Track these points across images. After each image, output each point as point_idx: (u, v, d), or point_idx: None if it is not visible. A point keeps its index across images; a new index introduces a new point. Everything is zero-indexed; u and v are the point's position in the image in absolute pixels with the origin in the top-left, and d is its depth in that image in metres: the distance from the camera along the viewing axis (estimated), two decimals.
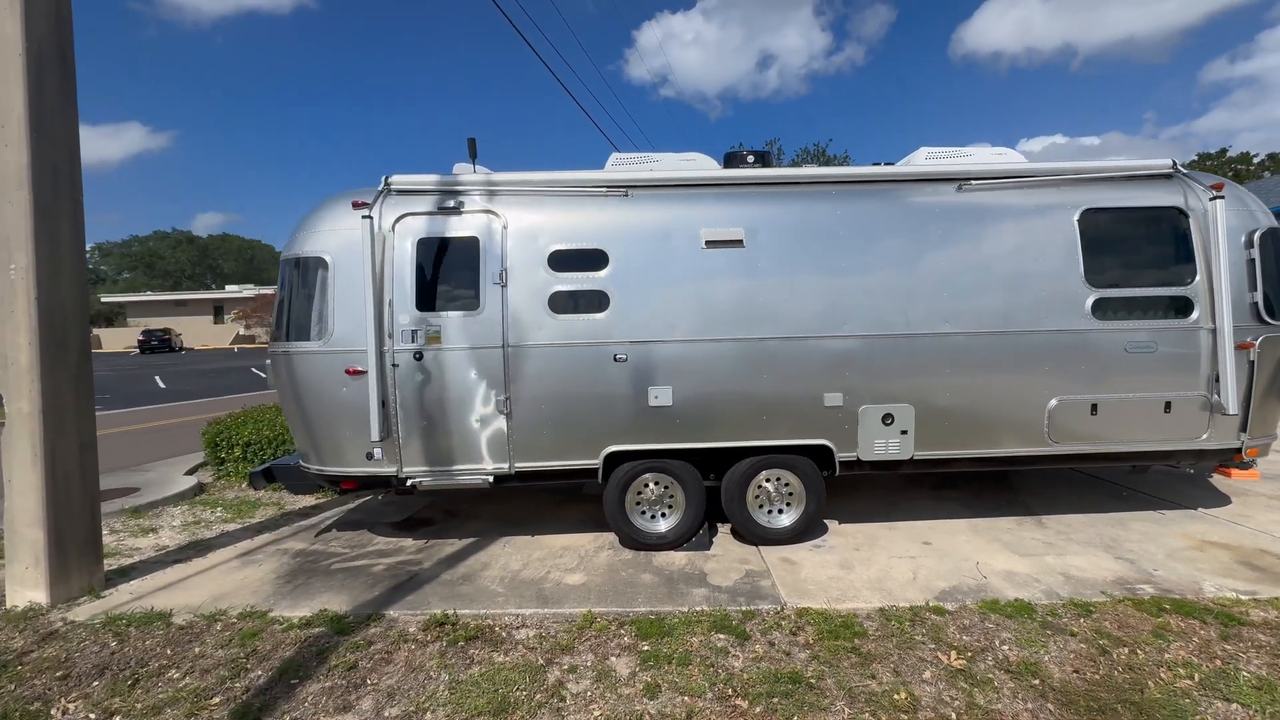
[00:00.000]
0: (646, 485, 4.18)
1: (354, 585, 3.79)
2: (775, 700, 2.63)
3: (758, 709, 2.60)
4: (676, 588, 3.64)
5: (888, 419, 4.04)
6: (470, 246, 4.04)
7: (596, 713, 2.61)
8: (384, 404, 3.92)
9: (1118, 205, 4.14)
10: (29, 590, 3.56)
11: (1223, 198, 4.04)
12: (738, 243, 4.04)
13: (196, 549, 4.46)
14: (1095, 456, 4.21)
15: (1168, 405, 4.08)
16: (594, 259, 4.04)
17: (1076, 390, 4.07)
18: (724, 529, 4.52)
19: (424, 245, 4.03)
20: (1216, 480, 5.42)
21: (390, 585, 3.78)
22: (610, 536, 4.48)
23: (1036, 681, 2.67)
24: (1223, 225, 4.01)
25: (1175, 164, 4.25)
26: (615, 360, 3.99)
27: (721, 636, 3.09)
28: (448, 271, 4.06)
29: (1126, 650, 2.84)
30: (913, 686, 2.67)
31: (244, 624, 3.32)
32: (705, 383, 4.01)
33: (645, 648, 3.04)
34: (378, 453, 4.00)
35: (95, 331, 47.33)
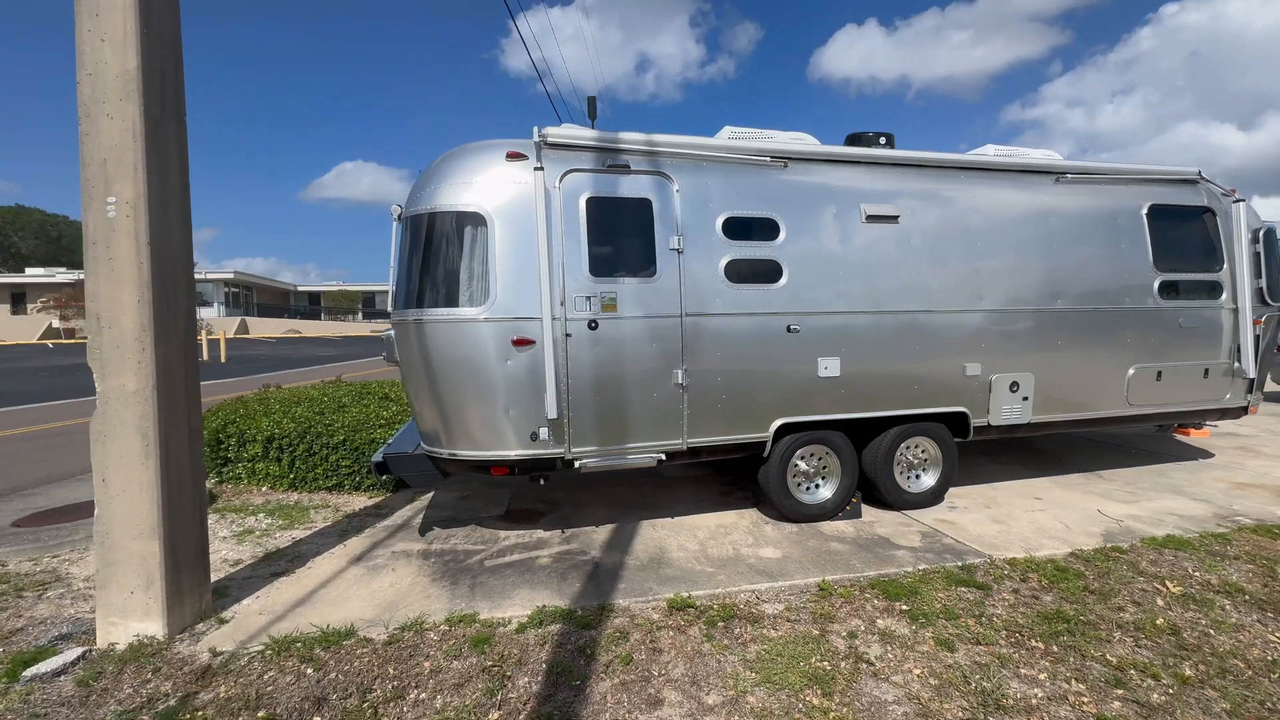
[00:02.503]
0: (803, 458, 4.18)
1: (540, 580, 3.38)
2: (1063, 638, 2.79)
3: (1055, 647, 2.75)
4: (875, 551, 3.70)
5: (1014, 386, 4.42)
6: (643, 208, 3.77)
7: (916, 671, 2.61)
8: (544, 378, 3.54)
9: (1170, 203, 4.89)
10: (135, 621, 2.75)
11: (1243, 200, 4.93)
12: (894, 219, 4.19)
13: (285, 560, 3.70)
14: (1152, 417, 4.93)
15: (1206, 371, 4.91)
16: (767, 228, 3.97)
17: (1148, 359, 4.74)
18: None
19: (594, 204, 3.69)
20: (1180, 438, 6.56)
21: (583, 575, 3.43)
22: (753, 513, 4.43)
23: (1245, 597, 3.10)
24: (1244, 223, 4.90)
25: (1200, 172, 5.11)
26: (789, 331, 3.95)
27: (963, 590, 3.21)
28: (621, 234, 3.76)
29: None
30: (1161, 613, 2.98)
31: (462, 630, 2.84)
32: (868, 353, 4.11)
33: (903, 607, 3.07)
34: (544, 433, 3.60)
35: None
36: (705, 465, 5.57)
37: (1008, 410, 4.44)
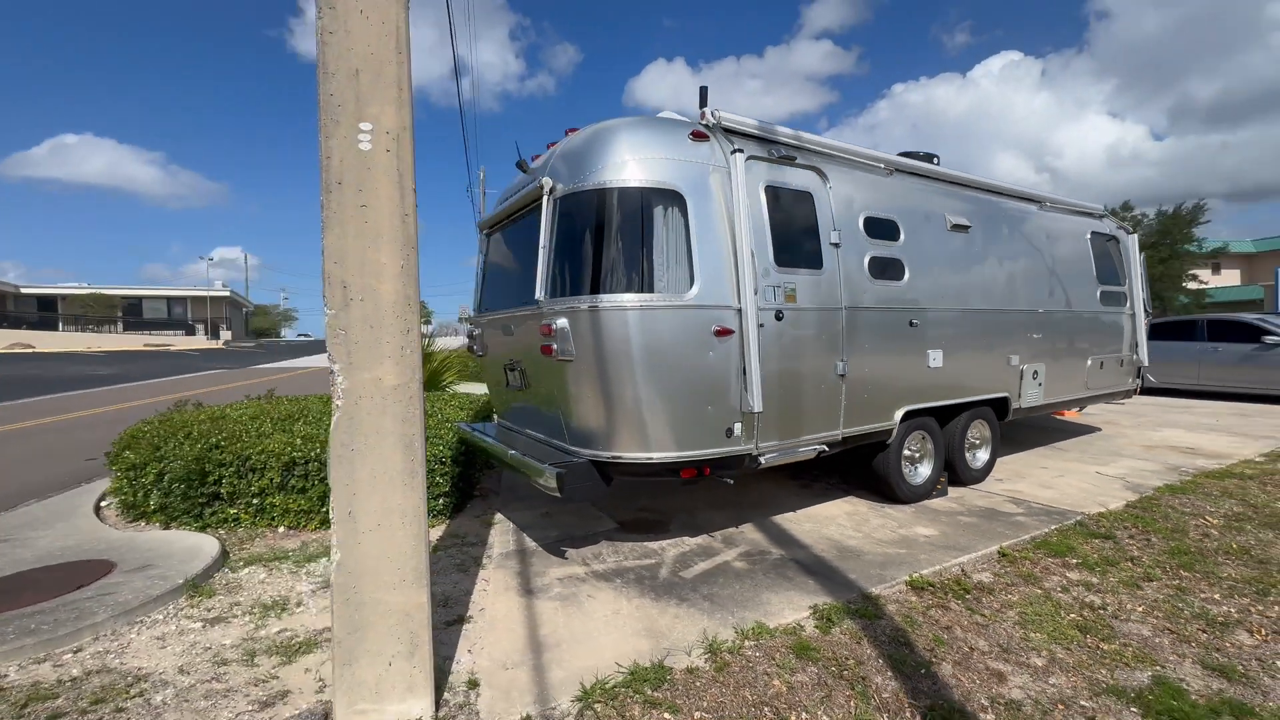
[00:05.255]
0: (908, 444, 4.51)
1: (769, 582, 3.19)
2: (1197, 568, 3.44)
3: (1198, 574, 3.37)
4: (1000, 520, 4.13)
5: (1035, 374, 5.29)
6: (808, 201, 3.79)
7: (1139, 609, 3.02)
8: (746, 370, 3.39)
9: (1099, 231, 6.29)
10: (394, 702, 2.01)
11: (1137, 232, 6.54)
12: (967, 228, 4.77)
13: (437, 605, 2.95)
14: (1096, 398, 6.23)
15: (1121, 361, 6.37)
16: (891, 229, 4.25)
17: (1097, 352, 6.02)
18: None
19: (772, 193, 3.62)
20: (1057, 419, 8.33)
21: (800, 571, 3.30)
22: (856, 500, 4.62)
23: (1255, 519, 4.11)
24: (1136, 249, 6.50)
25: (1105, 208, 6.65)
26: (910, 325, 4.26)
27: (1098, 541, 3.77)
28: (795, 226, 3.72)
29: None
30: (1227, 539, 3.82)
31: (770, 643, 2.58)
32: (958, 346, 4.60)
33: (1074, 560, 3.51)
34: (738, 428, 3.41)
35: None
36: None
37: (1031, 394, 5.29)
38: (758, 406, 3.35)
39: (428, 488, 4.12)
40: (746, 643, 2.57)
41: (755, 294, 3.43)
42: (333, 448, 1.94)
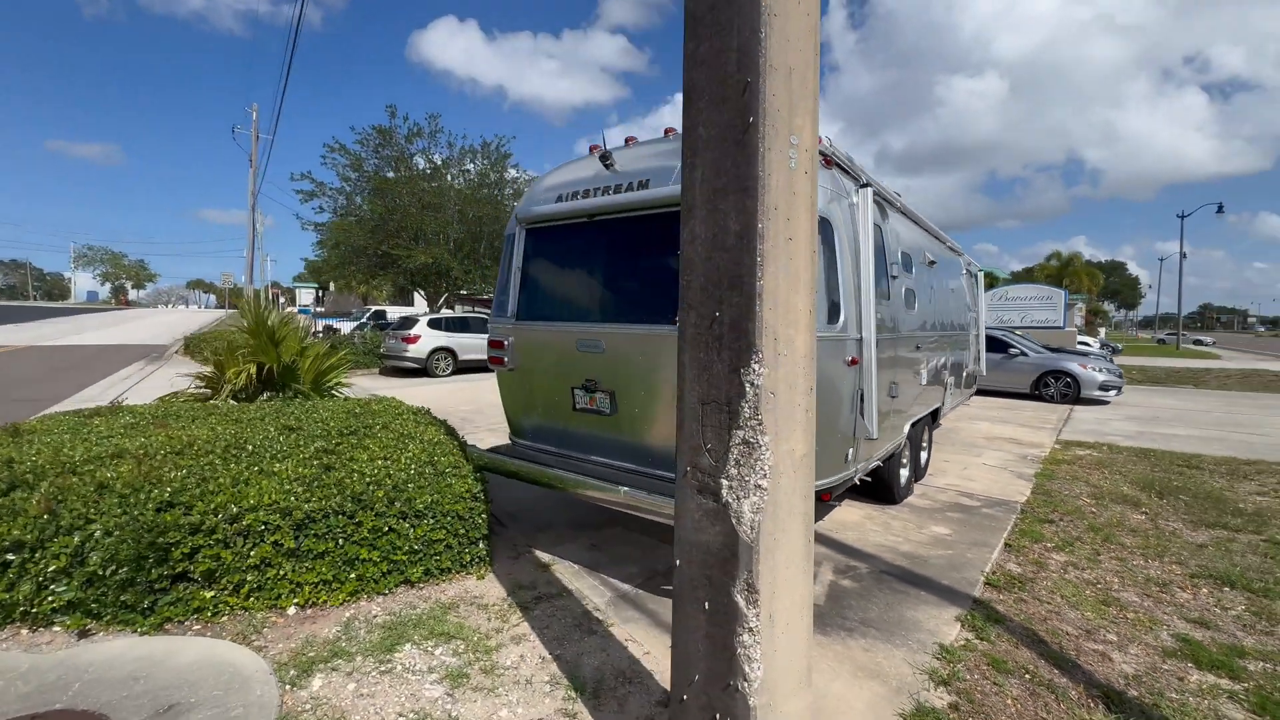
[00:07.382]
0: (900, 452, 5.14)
1: (893, 600, 3.39)
2: (1115, 539, 4.61)
3: (1120, 545, 4.53)
4: (973, 513, 4.94)
5: (949, 386, 6.41)
6: (879, 235, 4.03)
7: (1113, 579, 3.98)
8: (865, 398, 3.54)
9: (968, 270, 7.83)
10: None
11: (983, 271, 8.29)
12: (933, 263, 5.55)
13: (630, 685, 2.53)
14: (959, 403, 7.77)
15: (973, 372, 8.06)
16: (909, 263, 4.74)
17: (967, 361, 7.51)
18: None
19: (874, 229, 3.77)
20: None
21: (901, 582, 3.57)
22: (850, 503, 5.10)
23: (1110, 496, 5.62)
24: (982, 284, 8.26)
25: (963, 252, 8.30)
26: (917, 349, 4.84)
27: (1044, 525, 4.76)
28: (878, 259, 3.91)
29: (1103, 471, 6.19)
30: (1105, 510, 5.16)
31: (967, 662, 2.78)
32: (931, 366, 5.35)
33: (1049, 545, 4.42)
34: (851, 453, 3.53)
35: None
36: None
37: (948, 403, 6.41)
38: (875, 433, 3.51)
39: (466, 530, 3.46)
40: (957, 667, 2.73)
41: (873, 325, 3.58)
42: (762, 537, 1.56)
